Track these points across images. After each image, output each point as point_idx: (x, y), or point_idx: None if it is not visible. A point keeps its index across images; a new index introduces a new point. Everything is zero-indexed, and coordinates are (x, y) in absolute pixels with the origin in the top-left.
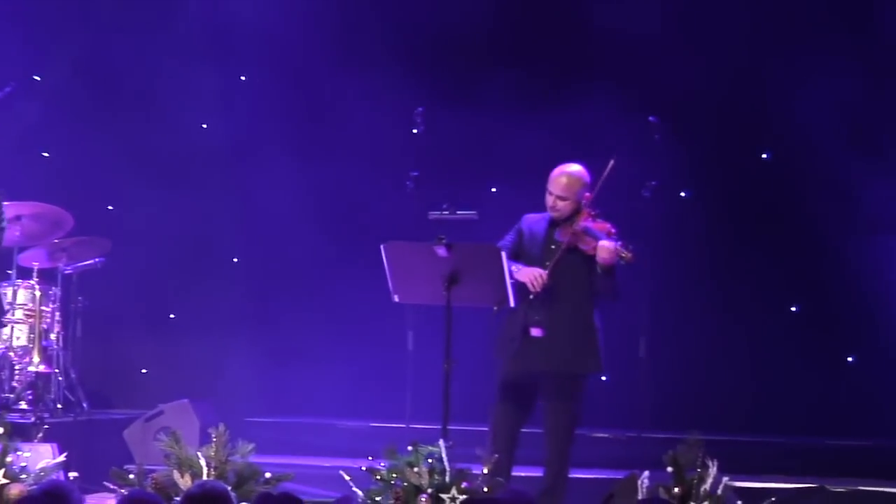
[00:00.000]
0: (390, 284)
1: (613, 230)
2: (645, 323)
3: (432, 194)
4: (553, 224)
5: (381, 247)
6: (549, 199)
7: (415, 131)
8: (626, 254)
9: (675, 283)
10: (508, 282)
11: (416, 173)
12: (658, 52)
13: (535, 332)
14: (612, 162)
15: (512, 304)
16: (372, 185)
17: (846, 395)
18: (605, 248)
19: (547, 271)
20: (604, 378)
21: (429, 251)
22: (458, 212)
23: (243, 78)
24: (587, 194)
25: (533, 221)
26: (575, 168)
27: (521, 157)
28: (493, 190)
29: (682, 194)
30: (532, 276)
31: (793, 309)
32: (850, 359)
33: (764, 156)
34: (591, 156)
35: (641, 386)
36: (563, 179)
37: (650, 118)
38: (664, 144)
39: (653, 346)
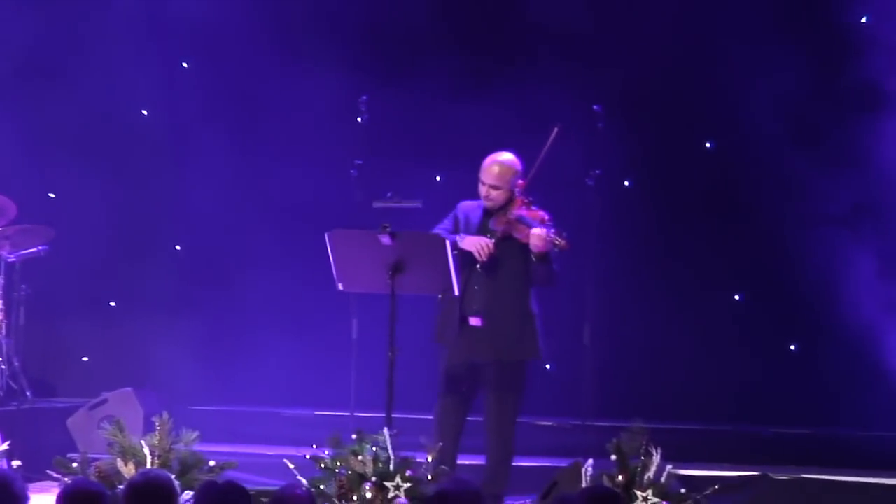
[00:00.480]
0: (335, 273)
1: (547, 217)
2: (589, 311)
3: (377, 183)
4: (488, 213)
5: (326, 235)
6: (483, 189)
7: (359, 120)
8: (559, 241)
9: (619, 271)
10: (453, 270)
11: (360, 162)
12: (601, 40)
13: (474, 321)
14: (556, 129)
15: (456, 292)
16: (316, 174)
17: (789, 384)
18: (537, 235)
19: (493, 240)
20: (548, 366)
21: (373, 239)
22: (403, 200)
23: (185, 65)
24: (520, 181)
25: (469, 209)
26: (506, 156)
27: (466, 147)
28: (438, 178)
29: (626, 183)
30: (479, 245)
31: (736, 297)
32: (792, 347)
33: (707, 145)
34: (534, 145)
35: (585, 374)
36: (496, 168)
37: (594, 107)
38: (608, 133)
39: (597, 335)
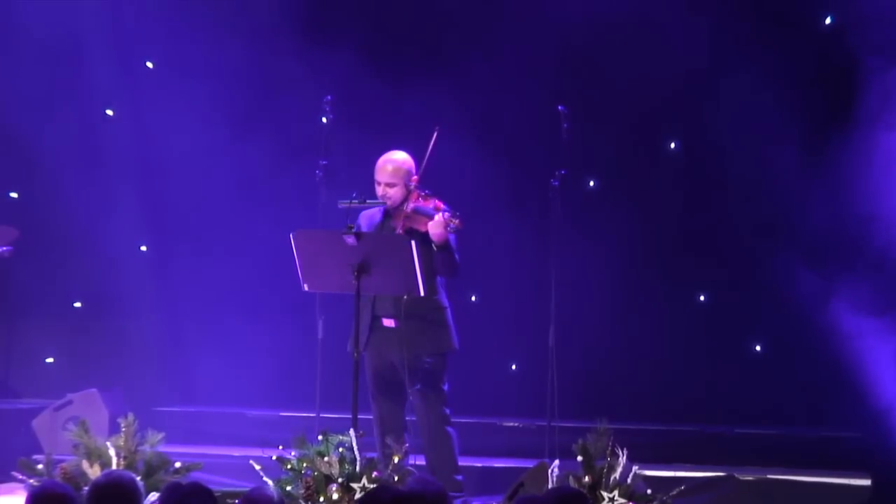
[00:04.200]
0: (300, 273)
1: (441, 204)
2: (553, 312)
3: (341, 183)
4: (387, 214)
5: (291, 235)
6: (379, 189)
7: (324, 120)
8: (454, 220)
9: (584, 272)
10: (418, 271)
11: (325, 162)
12: (566, 38)
13: (388, 322)
14: (435, 133)
15: (422, 293)
16: (281, 174)
17: (754, 384)
18: (436, 222)
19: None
20: (513, 367)
21: (338, 240)
22: (368, 200)
23: (150, 65)
24: (414, 177)
25: (368, 216)
26: (399, 155)
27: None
28: None
29: (591, 184)
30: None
31: (701, 298)
32: (757, 347)
33: (672, 145)
34: (497, 144)
35: (550, 375)
36: (389, 167)
37: (558, 107)
38: (572, 133)
39: (561, 336)
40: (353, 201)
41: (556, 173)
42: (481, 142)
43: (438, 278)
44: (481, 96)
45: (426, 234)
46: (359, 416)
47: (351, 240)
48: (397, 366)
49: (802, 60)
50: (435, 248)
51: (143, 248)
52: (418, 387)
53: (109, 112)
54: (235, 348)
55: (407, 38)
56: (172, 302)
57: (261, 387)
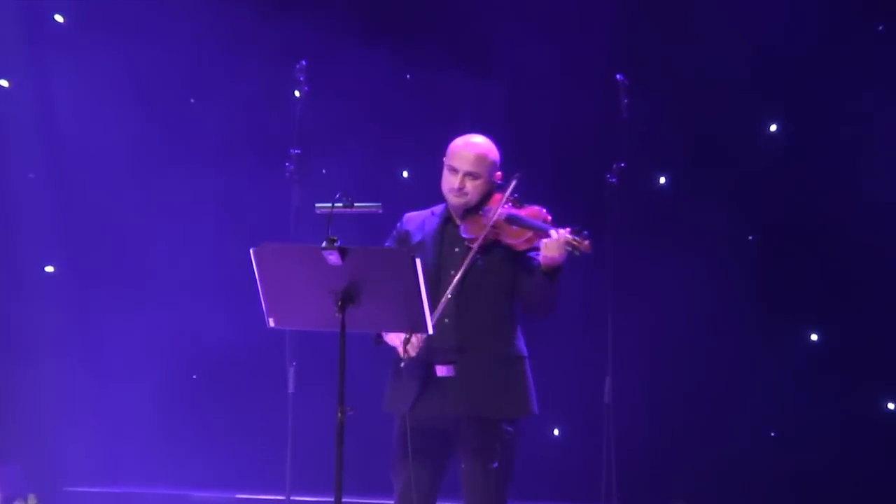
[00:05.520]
0: (263, 303)
1: (549, 216)
2: (611, 356)
3: (320, 180)
4: (449, 220)
5: (251, 252)
6: (454, 180)
7: (297, 94)
8: (581, 242)
9: (651, 301)
10: (426, 300)
11: (298, 151)
12: None
13: (443, 371)
14: (514, 181)
15: (430, 330)
16: (239, 169)
17: (885, 452)
18: (556, 242)
19: (423, 336)
20: (556, 432)
21: (316, 258)
22: (357, 204)
23: (60, 18)
24: (498, 173)
25: (420, 220)
26: (482, 139)
27: (444, 130)
28: (405, 174)
29: (661, 180)
30: (400, 341)
31: (813, 337)
32: (890, 405)
33: (773, 128)
34: (534, 128)
35: (606, 442)
36: (471, 153)
37: (617, 76)
38: (635, 112)
39: (621, 389)
40: (337, 204)
41: (614, 166)
42: (512, 125)
43: (519, 316)
44: (512, 62)
45: (518, 252)
46: (343, 500)
47: (333, 257)
48: (450, 428)
49: None
50: (543, 273)
51: (49, 269)
52: (476, 458)
53: (3, 83)
54: (175, 408)
55: None
56: (90, 344)
57: (211, 460)
